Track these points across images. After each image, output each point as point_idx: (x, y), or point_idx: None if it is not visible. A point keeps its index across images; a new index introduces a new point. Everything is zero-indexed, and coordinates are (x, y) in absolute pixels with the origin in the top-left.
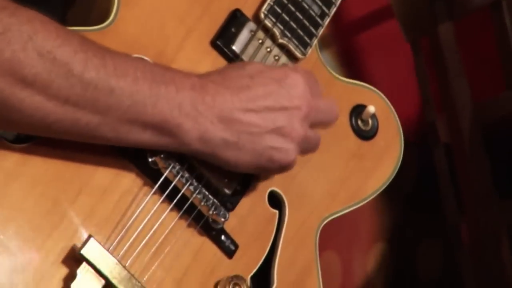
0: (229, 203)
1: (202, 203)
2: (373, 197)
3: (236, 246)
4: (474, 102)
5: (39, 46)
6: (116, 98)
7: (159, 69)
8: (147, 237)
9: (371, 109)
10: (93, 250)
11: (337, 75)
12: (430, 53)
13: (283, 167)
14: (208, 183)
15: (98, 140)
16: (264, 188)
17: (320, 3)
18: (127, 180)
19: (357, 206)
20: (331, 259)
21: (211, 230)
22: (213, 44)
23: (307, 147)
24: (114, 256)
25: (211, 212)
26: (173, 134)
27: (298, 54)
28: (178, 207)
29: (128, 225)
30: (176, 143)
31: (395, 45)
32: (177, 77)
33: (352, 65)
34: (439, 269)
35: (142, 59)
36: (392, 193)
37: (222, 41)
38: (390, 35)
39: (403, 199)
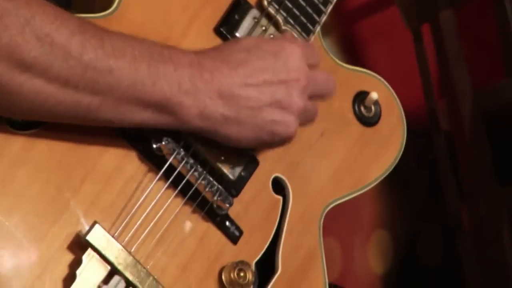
0: (233, 189)
1: (207, 189)
2: (376, 182)
3: (241, 232)
4: (475, 89)
5: (36, 29)
6: (116, 78)
7: (157, 48)
8: (152, 224)
9: (374, 95)
10: (98, 236)
11: (340, 62)
12: (431, 40)
13: (284, 140)
14: (212, 169)
15: (99, 123)
16: (268, 174)
17: None
18: (132, 167)
19: (360, 192)
20: (331, 245)
21: (216, 216)
22: (217, 31)
23: (306, 120)
24: (119, 242)
25: (215, 198)
26: (173, 112)
27: None
28: (182, 193)
29: (133, 211)
30: (176, 121)
31: (396, 32)
32: (174, 54)
33: (353, 52)
34: (440, 255)
35: (139, 38)
36: (392, 180)
37: (226, 28)
38: (391, 22)
39: (403, 186)
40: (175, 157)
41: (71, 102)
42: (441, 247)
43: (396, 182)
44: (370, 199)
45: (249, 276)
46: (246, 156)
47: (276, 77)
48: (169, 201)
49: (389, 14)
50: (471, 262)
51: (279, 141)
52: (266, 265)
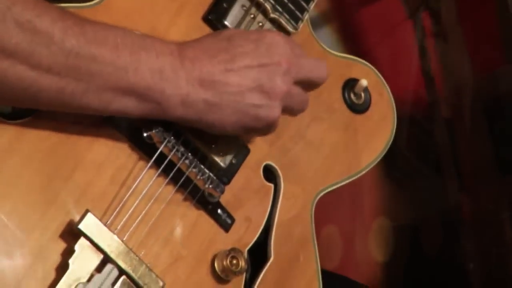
0: (225, 177)
1: (198, 177)
2: (368, 169)
3: (233, 220)
4: (476, 76)
5: (18, 16)
6: (98, 65)
7: (139, 36)
8: (143, 212)
9: (363, 82)
10: (90, 225)
11: (329, 49)
12: (431, 28)
13: (269, 125)
14: (203, 156)
15: (84, 110)
16: (259, 162)
17: None
18: (123, 156)
19: (351, 179)
20: (332, 233)
21: (207, 204)
22: (205, 19)
23: (292, 105)
24: (111, 231)
25: (207, 186)
26: (156, 100)
27: (289, 28)
28: (173, 181)
29: (124, 199)
30: (160, 109)
31: (396, 19)
32: (156, 43)
33: (352, 41)
34: (441, 244)
35: (121, 27)
36: (393, 167)
37: (214, 16)
38: (391, 9)
39: (404, 173)
40: (165, 145)
41: (55, 88)
42: (442, 235)
43: (397, 170)
44: (371, 187)
45: (242, 263)
46: (237, 144)
47: (257, 61)
48: (161, 189)
49: (389, 1)
50: (472, 250)
51: (264, 126)
52: (259, 252)
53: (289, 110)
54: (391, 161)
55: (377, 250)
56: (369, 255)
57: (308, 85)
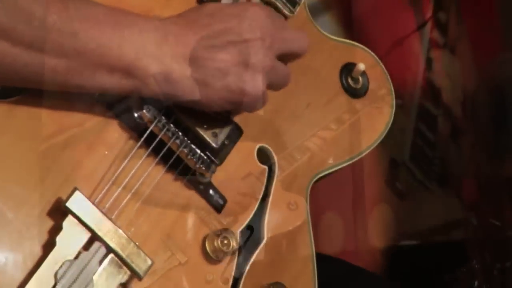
0: (217, 158)
1: (189, 157)
2: (365, 153)
3: (225, 201)
4: (476, 63)
5: None
6: (81, 41)
7: (121, 13)
8: (132, 191)
9: (361, 66)
10: (78, 203)
11: (327, 34)
12: (432, 15)
13: (256, 100)
14: (194, 137)
15: (69, 87)
16: (253, 144)
17: None
18: (113, 135)
19: (347, 163)
20: (333, 220)
21: (199, 184)
22: (200, 1)
23: (276, 79)
24: (99, 209)
25: (197, 166)
26: (139, 76)
27: (286, 12)
28: (164, 160)
29: (113, 178)
30: (144, 86)
31: (397, 8)
32: (139, 19)
33: (354, 28)
34: (442, 229)
35: (104, 5)
36: (395, 179)
37: None
38: (400, 19)
39: (406, 186)
40: (156, 125)
41: (38, 64)
42: (443, 220)
43: (397, 156)
44: (371, 174)
45: (233, 243)
46: (230, 124)
47: (240, 37)
48: (150, 168)
49: (399, 12)
50: (478, 268)
51: (251, 101)
52: (252, 234)
53: (273, 85)
54: (393, 173)
55: (378, 236)
56: (369, 241)
57: (290, 56)
